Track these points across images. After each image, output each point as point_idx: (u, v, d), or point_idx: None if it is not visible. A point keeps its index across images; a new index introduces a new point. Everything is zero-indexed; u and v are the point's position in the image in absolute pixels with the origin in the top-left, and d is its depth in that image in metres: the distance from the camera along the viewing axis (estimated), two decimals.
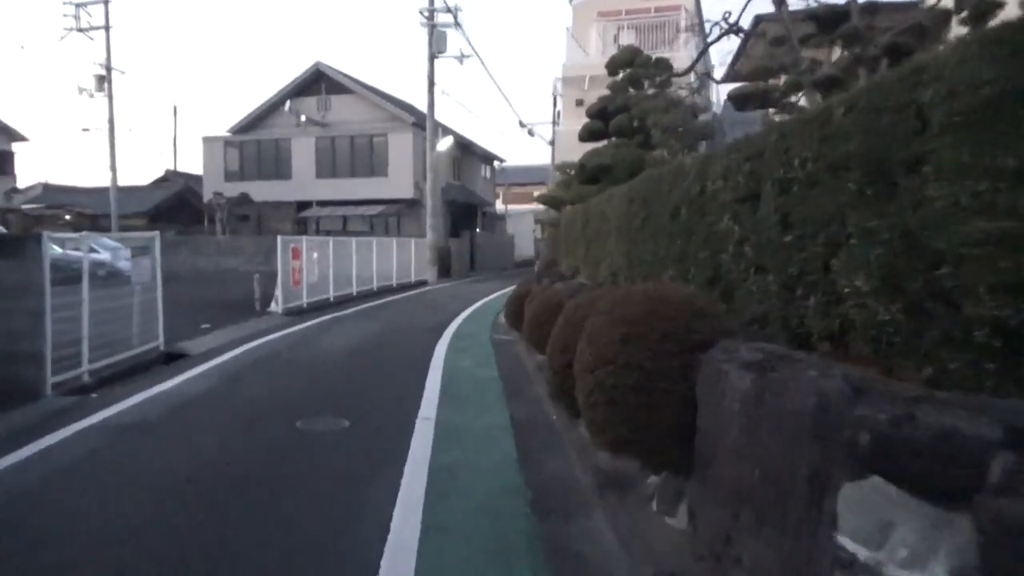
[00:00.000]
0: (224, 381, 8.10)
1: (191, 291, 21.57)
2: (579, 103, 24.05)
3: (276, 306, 15.35)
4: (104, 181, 38.72)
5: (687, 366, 3.19)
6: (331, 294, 18.49)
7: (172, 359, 9.86)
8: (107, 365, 8.48)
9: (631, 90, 12.78)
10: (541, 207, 56.08)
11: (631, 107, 12.03)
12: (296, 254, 16.22)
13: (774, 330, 3.53)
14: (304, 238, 16.85)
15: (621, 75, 13.44)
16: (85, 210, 36.25)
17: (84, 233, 8.69)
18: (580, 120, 25.64)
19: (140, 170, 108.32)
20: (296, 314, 15.37)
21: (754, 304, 3.80)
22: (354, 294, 20.16)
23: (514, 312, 10.56)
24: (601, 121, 13.78)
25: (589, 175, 12.13)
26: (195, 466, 5.02)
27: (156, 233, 11.07)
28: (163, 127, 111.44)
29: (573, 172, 14.82)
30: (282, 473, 4.88)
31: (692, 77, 12.13)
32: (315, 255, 17.51)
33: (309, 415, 6.30)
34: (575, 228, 10.21)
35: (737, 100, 9.14)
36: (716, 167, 4.29)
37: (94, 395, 7.43)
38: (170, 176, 43.53)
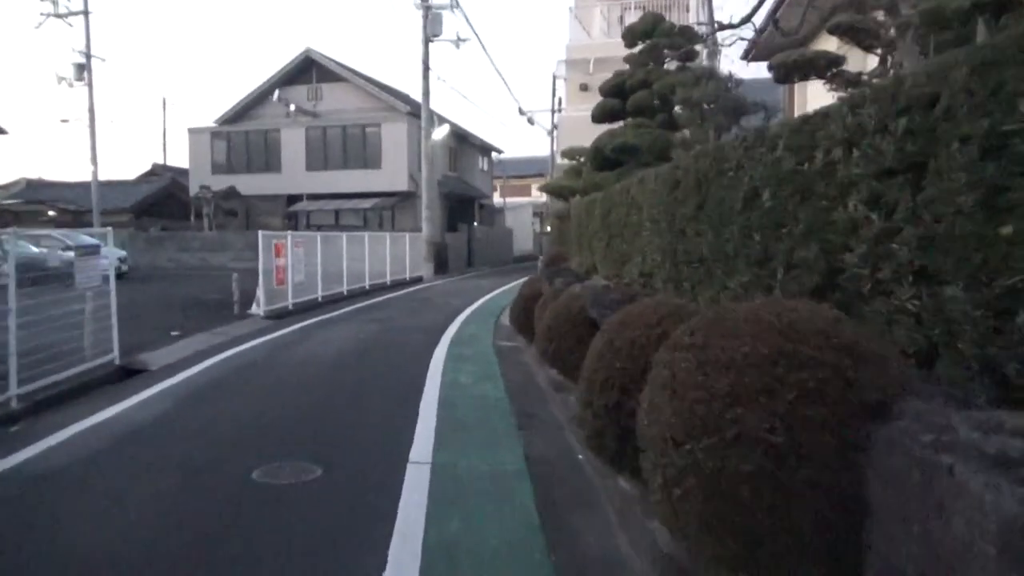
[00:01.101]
0: (180, 406, 6.79)
1: (170, 290, 20.29)
2: (583, 87, 22.74)
3: (257, 308, 14.02)
4: (89, 176, 37.36)
5: (851, 446, 1.92)
6: (319, 294, 17.18)
7: (129, 375, 8.57)
8: (45, 386, 7.16)
9: (651, 64, 11.42)
10: (541, 199, 55.01)
11: (652, 82, 10.69)
12: (279, 251, 14.89)
13: (953, 373, 2.27)
14: (289, 233, 15.53)
15: (640, 47, 12.04)
16: (68, 206, 34.87)
17: (12, 229, 7.35)
18: (585, 105, 24.33)
19: (128, 164, 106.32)
20: (280, 316, 14.05)
21: (903, 329, 2.53)
22: (344, 293, 18.86)
23: (520, 316, 9.26)
24: (618, 99, 12.41)
25: (605, 160, 10.80)
26: (94, 558, 3.72)
27: (109, 229, 9.78)
28: (152, 120, 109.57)
29: (583, 159, 13.52)
30: (213, 566, 3.57)
31: (715, 45, 10.79)
32: (301, 252, 16.18)
33: (272, 458, 5.00)
34: (590, 220, 8.90)
35: (782, 70, 7.81)
36: (833, 128, 3.00)
37: (14, 428, 6.10)
38: (158, 170, 42.17)
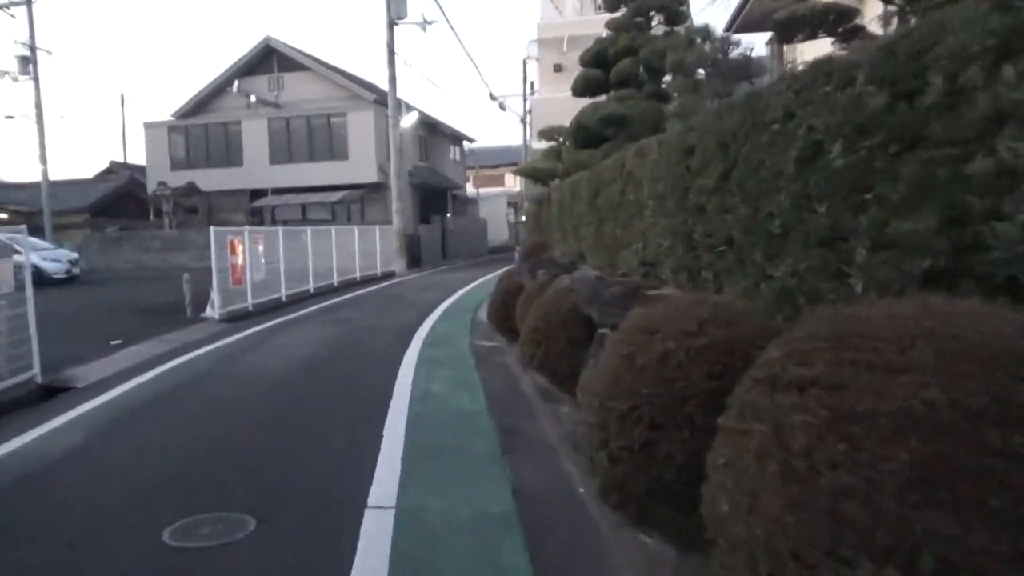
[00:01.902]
0: (97, 436, 5.70)
1: (122, 293, 19.01)
2: (557, 68, 21.76)
3: (212, 311, 12.88)
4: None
5: None
6: (283, 293, 16.05)
7: (52, 394, 7.45)
8: None
9: (636, 31, 10.38)
10: (515, 189, 53.97)
11: (639, 49, 9.67)
12: (235, 248, 13.74)
13: None
14: (246, 229, 14.37)
15: (624, 10, 10.96)
16: (20, 208, 33.17)
17: None
18: (559, 87, 23.35)
19: (85, 163, 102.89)
20: (237, 319, 12.92)
21: None
22: (311, 291, 17.73)
23: (500, 312, 8.27)
24: (600, 70, 11.36)
25: (589, 136, 9.80)
26: None
27: (23, 227, 8.57)
28: (110, 116, 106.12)
29: (562, 139, 12.53)
30: None
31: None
32: (260, 249, 15.03)
33: (195, 509, 3.96)
34: (575, 203, 7.93)
35: (783, 26, 6.87)
36: (962, 39, 2.04)
37: None
38: (115, 168, 40.50)
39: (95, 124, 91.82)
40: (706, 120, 3.82)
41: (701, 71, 7.78)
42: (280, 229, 16.68)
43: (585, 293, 4.91)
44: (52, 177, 36.35)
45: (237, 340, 10.49)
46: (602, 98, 10.96)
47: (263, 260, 15.13)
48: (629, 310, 3.84)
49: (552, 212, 10.05)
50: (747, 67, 6.82)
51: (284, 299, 15.94)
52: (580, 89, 11.62)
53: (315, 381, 7.43)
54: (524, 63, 31.89)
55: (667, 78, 8.71)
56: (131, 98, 78.59)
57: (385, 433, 5.31)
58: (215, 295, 12.88)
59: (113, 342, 10.15)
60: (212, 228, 12.96)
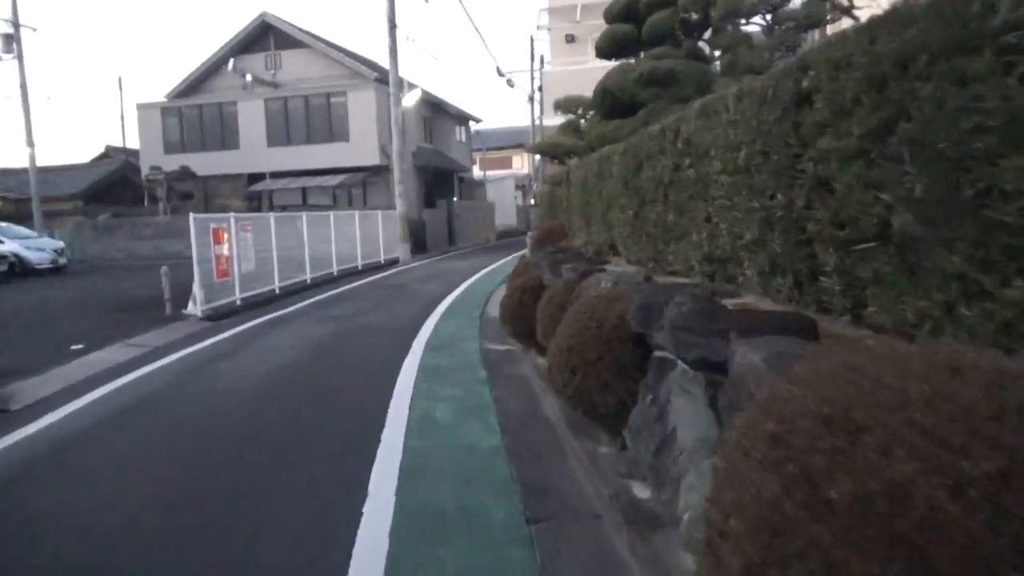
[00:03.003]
0: (6, 486, 4.45)
1: (103, 286, 17.77)
2: (570, 39, 20.26)
3: (194, 307, 11.63)
4: (38, 161, 34.41)
5: None
6: (276, 284, 14.79)
7: None
8: None
9: None
10: (523, 172, 52.50)
11: None
12: (220, 237, 12.46)
13: None
14: (232, 216, 13.07)
15: None
16: (9, 194, 32.03)
17: None
18: (572, 58, 21.92)
19: (82, 148, 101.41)
20: (223, 316, 11.67)
21: None
22: (308, 282, 16.48)
23: (515, 313, 6.97)
24: (629, 25, 9.81)
25: (617, 105, 8.37)
26: None
27: None
28: (108, 99, 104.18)
29: (582, 110, 11.14)
30: None
31: None
32: (250, 237, 13.75)
33: None
34: (603, 183, 6.58)
35: None
36: None
37: None
38: (111, 153, 39.33)
39: (92, 108, 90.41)
40: (836, 50, 2.49)
41: (754, 23, 6.41)
42: (272, 215, 15.38)
43: (637, 303, 3.59)
44: (47, 163, 35.28)
45: (213, 344, 9.21)
46: (630, 62, 9.49)
47: (253, 250, 13.86)
48: (723, 337, 2.53)
49: (571, 194, 8.69)
50: (816, 13, 5.47)
51: (278, 291, 14.69)
52: (606, 48, 9.98)
53: (291, 402, 6.13)
54: (532, 40, 30.38)
55: (707, 36, 7.38)
56: (130, 82, 77.17)
57: (371, 489, 4.02)
58: (196, 290, 11.61)
59: (74, 347, 8.91)
60: (192, 215, 11.66)
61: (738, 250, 3.60)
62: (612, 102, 8.36)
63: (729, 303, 3.37)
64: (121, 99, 65.20)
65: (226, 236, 12.67)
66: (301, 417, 5.61)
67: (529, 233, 16.51)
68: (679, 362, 3.04)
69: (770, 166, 3.12)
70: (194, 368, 7.74)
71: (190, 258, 11.84)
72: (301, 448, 4.84)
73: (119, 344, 9.23)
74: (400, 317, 10.88)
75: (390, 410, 5.62)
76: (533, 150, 13.06)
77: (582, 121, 12.05)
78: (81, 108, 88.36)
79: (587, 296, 4.37)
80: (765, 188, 3.20)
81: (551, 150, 12.49)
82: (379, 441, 4.83)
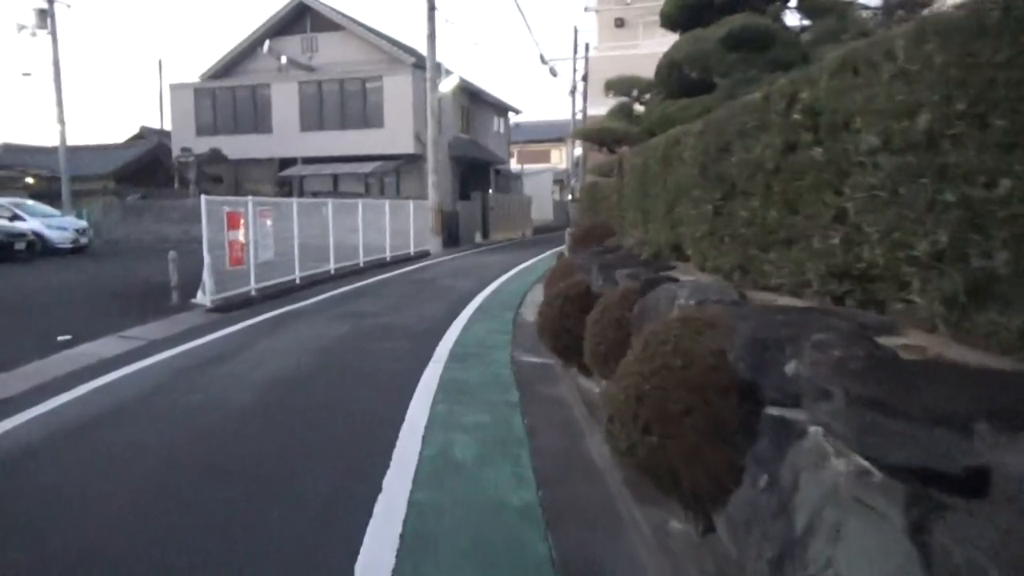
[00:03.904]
0: None
1: (119, 269, 16.99)
2: (619, 23, 19.02)
3: (203, 296, 10.71)
4: (74, 140, 34.15)
5: None
6: (296, 275, 13.85)
7: None
8: None
9: None
10: (561, 167, 51.26)
11: None
12: (236, 222, 11.52)
13: None
14: (249, 199, 12.12)
15: None
16: (42, 172, 31.72)
17: None
18: (621, 43, 20.66)
19: (120, 129, 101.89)
20: (232, 307, 10.74)
21: None
22: (332, 272, 15.54)
23: (555, 324, 5.84)
24: None
25: (685, 80, 7.11)
26: None
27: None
28: (147, 80, 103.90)
29: (637, 92, 9.93)
30: None
31: None
32: (269, 224, 12.81)
33: None
34: (671, 172, 5.43)
35: None
36: None
37: None
38: (146, 134, 38.93)
39: (132, 90, 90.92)
40: None
41: None
42: (295, 201, 14.44)
43: (746, 336, 2.45)
44: (82, 142, 35.03)
45: (215, 341, 8.24)
46: (701, 31, 8.17)
47: (272, 237, 12.92)
48: (954, 427, 1.39)
49: (624, 186, 7.52)
50: None
51: (298, 282, 13.75)
52: (673, 13, 8.37)
53: (281, 430, 5.07)
54: (575, 31, 29.12)
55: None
56: (171, 64, 77.22)
57: (359, 565, 2.94)
58: (206, 278, 10.70)
59: (61, 338, 8.00)
60: (203, 197, 10.75)
61: (900, 264, 2.45)
62: (679, 78, 7.16)
63: (894, 345, 2.22)
64: (160, 81, 65.13)
65: (242, 221, 11.73)
66: (289, 450, 4.55)
67: (568, 230, 15.32)
68: (826, 440, 1.89)
69: (992, 135, 1.97)
70: (184, 370, 6.75)
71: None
72: (279, 496, 3.77)
73: (112, 336, 8.32)
74: (425, 317, 9.82)
75: (399, 442, 4.53)
76: (579, 135, 11.82)
77: (636, 105, 10.85)
78: (121, 89, 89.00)
79: (663, 319, 3.23)
80: (974, 170, 2.04)
81: (600, 136, 11.26)
82: (379, 490, 3.75)
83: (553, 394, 5.86)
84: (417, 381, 6.13)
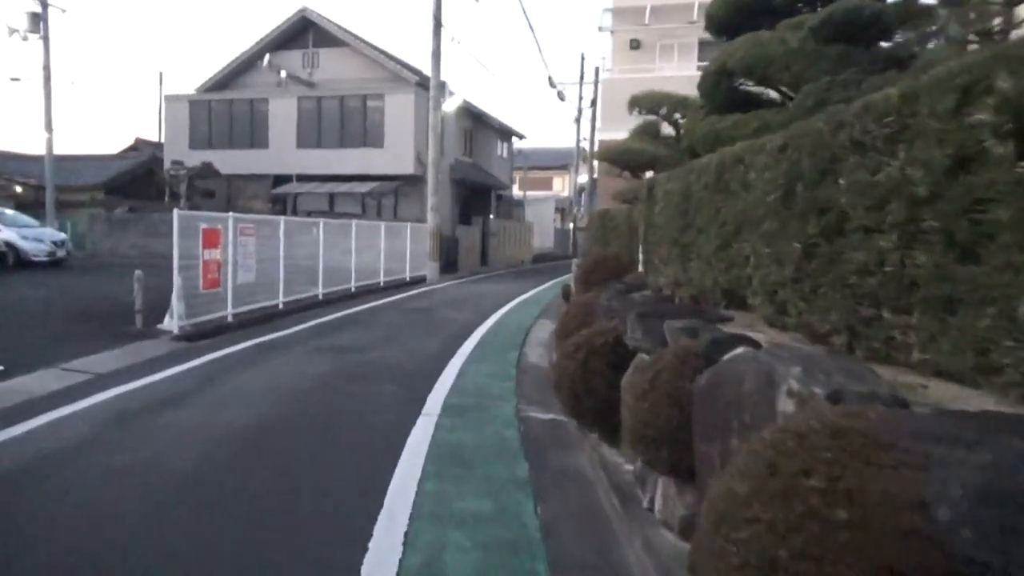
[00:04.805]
0: None
1: (93, 286, 15.78)
2: (635, 45, 18.09)
3: (170, 321, 9.58)
4: (70, 149, 33.19)
5: None
6: (280, 299, 12.73)
7: None
8: None
9: None
10: (563, 194, 50.37)
11: None
12: (213, 240, 10.42)
13: None
14: (230, 215, 11.04)
15: None
16: (30, 180, 30.65)
17: None
18: (636, 65, 19.78)
19: (117, 140, 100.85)
20: (205, 335, 9.62)
21: None
22: (320, 297, 14.42)
23: (577, 382, 4.74)
24: None
25: (736, 94, 5.99)
26: None
27: None
28: (146, 91, 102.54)
29: (665, 110, 8.91)
30: None
31: None
32: (252, 242, 11.72)
33: None
34: (728, 201, 4.32)
35: None
36: None
37: None
38: (140, 145, 38.01)
39: (132, 101, 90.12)
40: None
41: None
42: (282, 219, 13.34)
43: (974, 488, 1.33)
44: (76, 151, 33.99)
45: (172, 377, 7.10)
46: (759, 33, 6.99)
47: (254, 257, 11.82)
48: None
49: (654, 215, 6.44)
50: None
51: (282, 307, 12.64)
52: (723, 17, 7.08)
53: (216, 519, 3.90)
54: (582, 60, 28.34)
55: None
56: (172, 77, 76.52)
57: None
58: (175, 301, 9.56)
59: None
60: (175, 211, 9.66)
61: None
62: (726, 89, 6.09)
63: None
64: (160, 94, 64.46)
65: (221, 239, 10.64)
66: (215, 556, 3.39)
67: (575, 261, 14.25)
68: None
69: None
70: (122, 417, 5.60)
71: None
72: None
73: (54, 368, 7.17)
74: (418, 354, 8.70)
75: (373, 545, 3.40)
76: (600, 157, 10.74)
77: (664, 125, 9.84)
78: (122, 100, 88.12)
79: (774, 417, 2.13)
80: None
81: (624, 158, 10.16)
82: None
83: (570, 467, 4.73)
84: (403, 443, 5.00)
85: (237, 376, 7.30)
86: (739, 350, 3.06)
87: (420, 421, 5.62)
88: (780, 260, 3.55)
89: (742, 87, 6.28)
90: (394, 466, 4.52)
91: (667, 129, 10.40)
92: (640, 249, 7.29)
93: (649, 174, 10.06)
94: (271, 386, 6.84)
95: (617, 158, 10.34)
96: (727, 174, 4.37)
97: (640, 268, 7.82)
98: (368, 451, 4.88)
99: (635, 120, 12.08)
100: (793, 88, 5.51)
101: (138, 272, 9.77)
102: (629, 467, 4.33)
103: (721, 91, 6.09)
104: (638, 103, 9.78)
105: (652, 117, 10.02)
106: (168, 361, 7.86)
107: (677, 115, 9.44)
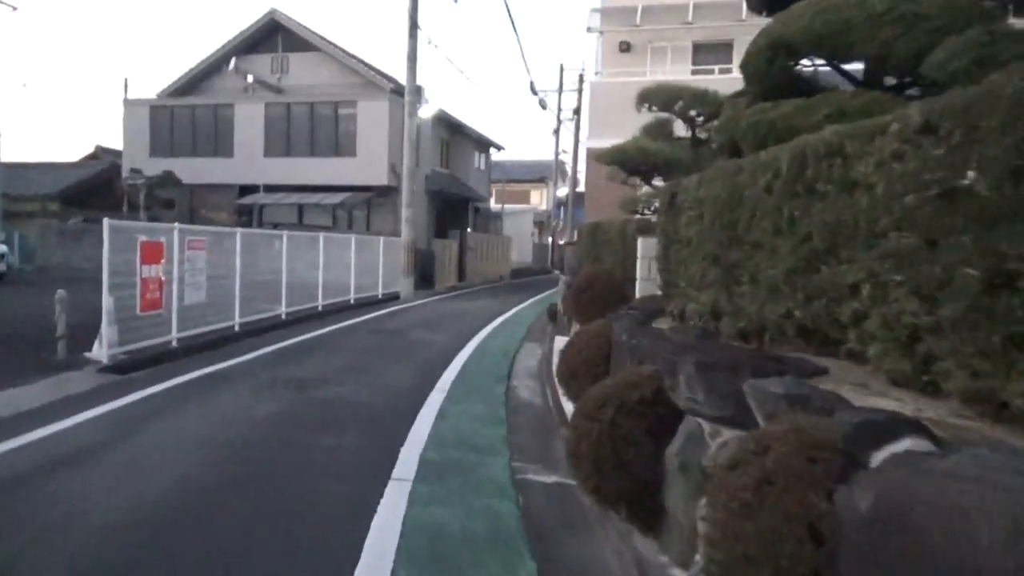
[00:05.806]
0: None
1: (31, 304, 14.23)
2: (625, 47, 17.03)
3: (99, 349, 8.19)
4: (23, 156, 31.41)
5: None
6: (236, 320, 11.39)
7: None
8: None
9: None
10: (541, 208, 49.31)
11: None
12: (155, 255, 9.07)
13: None
14: (176, 226, 9.69)
15: None
16: None
17: None
18: (626, 69, 18.74)
19: (77, 147, 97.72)
20: (140, 365, 8.28)
21: None
22: (283, 317, 13.07)
23: (604, 452, 3.50)
24: None
25: (786, 81, 4.70)
26: None
27: None
28: (112, 98, 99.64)
29: (681, 104, 7.79)
30: None
31: None
32: (202, 257, 10.37)
33: None
34: (809, 211, 3.10)
35: None
36: None
37: None
38: (100, 154, 36.24)
39: (97, 108, 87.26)
40: None
41: None
42: (239, 231, 11.99)
43: None
44: (34, 159, 32.20)
45: (84, 424, 5.75)
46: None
47: (205, 274, 10.47)
48: None
49: (681, 227, 5.24)
50: None
51: (237, 329, 11.30)
52: None
53: None
54: (561, 71, 27.38)
55: None
56: (137, 84, 73.83)
57: None
58: (104, 327, 8.18)
59: None
60: (106, 221, 8.31)
61: None
62: (783, 70, 4.97)
63: None
64: (125, 101, 62.52)
65: (164, 254, 9.29)
66: None
67: (563, 278, 13.08)
68: None
69: None
70: (2, 485, 4.27)
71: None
72: None
73: None
74: (389, 390, 7.43)
75: None
76: (605, 159, 9.58)
77: (679, 122, 8.72)
78: (83, 107, 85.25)
79: None
80: None
81: (635, 159, 8.93)
82: None
83: (593, 566, 3.50)
84: (365, 532, 3.73)
85: (167, 421, 5.97)
86: (906, 442, 1.88)
87: (389, 491, 4.36)
88: (927, 292, 2.36)
89: (799, 67, 5.14)
90: (353, 571, 3.26)
91: (678, 131, 9.26)
92: (657, 269, 6.10)
93: (657, 181, 8.93)
94: (206, 435, 5.53)
95: (629, 159, 9.15)
96: (811, 171, 3.19)
97: (659, 291, 6.62)
98: (317, 546, 3.61)
99: (627, 127, 10.99)
100: (880, 63, 4.38)
101: (60, 291, 8.36)
102: (679, 573, 3.13)
103: (775, 71, 4.95)
104: (648, 98, 8.65)
105: (664, 115, 8.91)
106: (87, 400, 6.51)
107: (693, 112, 8.33)
